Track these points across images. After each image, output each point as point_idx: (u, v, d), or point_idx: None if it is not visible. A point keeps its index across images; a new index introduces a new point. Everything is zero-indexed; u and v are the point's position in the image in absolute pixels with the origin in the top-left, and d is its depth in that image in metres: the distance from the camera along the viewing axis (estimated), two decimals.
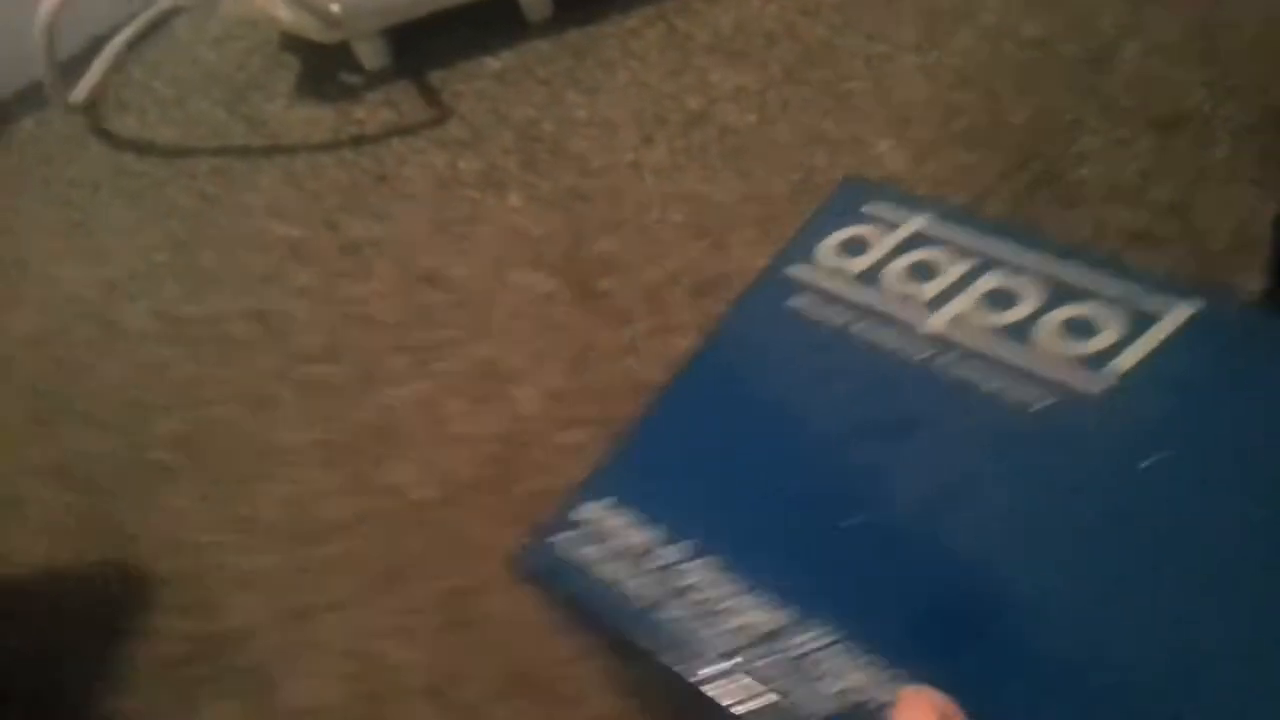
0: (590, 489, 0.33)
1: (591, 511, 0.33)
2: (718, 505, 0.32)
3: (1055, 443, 0.29)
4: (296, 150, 0.73)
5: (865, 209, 0.37)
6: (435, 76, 0.73)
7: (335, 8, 0.68)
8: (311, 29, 0.71)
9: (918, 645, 0.27)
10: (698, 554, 0.30)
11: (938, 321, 0.33)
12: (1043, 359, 0.31)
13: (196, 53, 0.84)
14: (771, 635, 0.28)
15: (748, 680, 0.28)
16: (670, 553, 0.31)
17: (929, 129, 0.56)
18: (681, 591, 0.30)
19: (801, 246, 0.37)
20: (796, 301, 0.36)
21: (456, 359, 0.56)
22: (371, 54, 0.75)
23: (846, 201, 0.38)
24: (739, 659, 0.28)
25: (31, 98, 0.85)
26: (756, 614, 0.29)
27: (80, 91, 0.81)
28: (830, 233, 0.37)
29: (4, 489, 0.61)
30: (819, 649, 0.28)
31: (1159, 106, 0.53)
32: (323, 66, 0.77)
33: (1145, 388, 0.30)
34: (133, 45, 0.86)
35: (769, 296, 0.36)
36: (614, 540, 0.32)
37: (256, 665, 0.47)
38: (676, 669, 0.29)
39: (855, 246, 0.36)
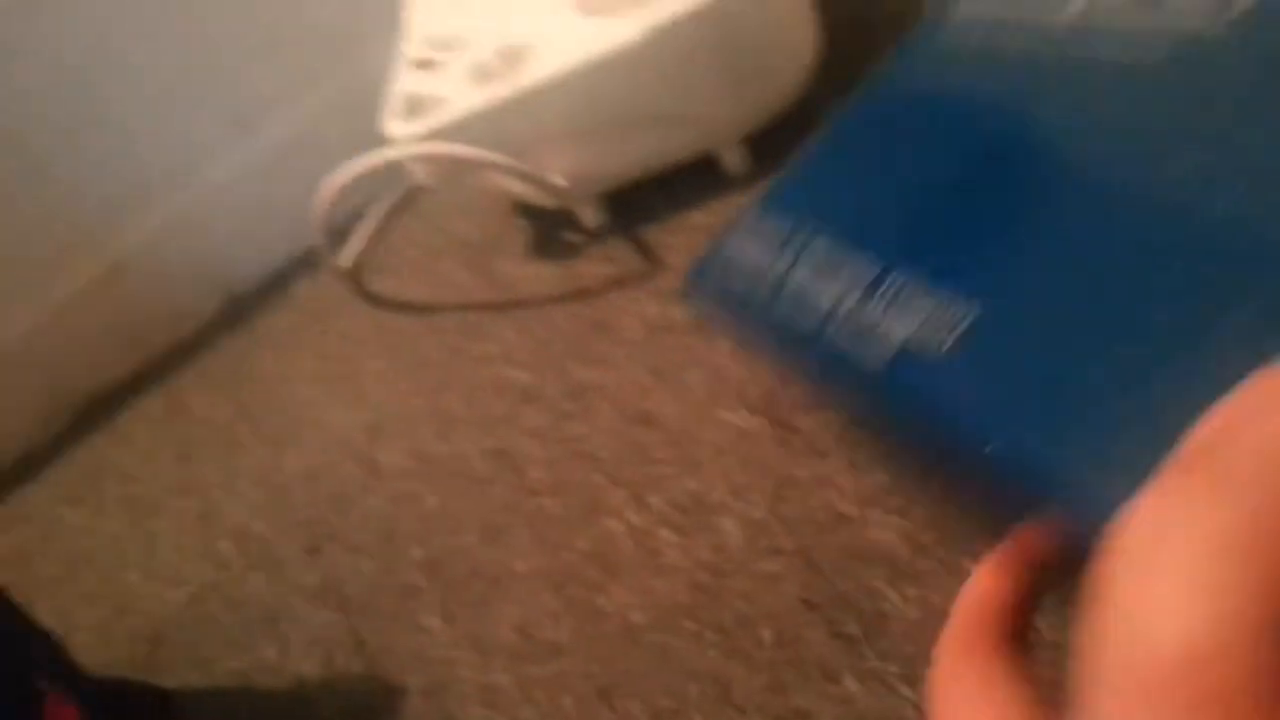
0: (759, 206, 0.35)
1: (760, 225, 0.35)
2: (891, 221, 0.32)
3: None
4: (528, 304, 0.81)
5: None
6: (647, 231, 0.80)
7: (559, 180, 0.77)
8: (538, 197, 0.81)
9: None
10: (875, 260, 0.31)
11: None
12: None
13: (442, 221, 0.96)
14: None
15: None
16: (844, 258, 0.32)
17: None
18: (857, 289, 0.30)
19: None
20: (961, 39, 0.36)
21: (668, 492, 0.62)
22: (591, 215, 0.83)
23: None
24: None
25: (306, 262, 0.99)
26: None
27: (347, 257, 0.93)
28: None
29: (275, 605, 0.70)
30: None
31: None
32: (549, 228, 0.86)
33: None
34: (389, 215, 0.99)
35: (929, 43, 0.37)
36: (781, 250, 0.33)
37: None
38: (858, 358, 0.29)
39: None
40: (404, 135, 0.77)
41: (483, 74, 0.77)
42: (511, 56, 0.77)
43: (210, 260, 1.04)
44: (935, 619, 0.45)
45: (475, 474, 0.71)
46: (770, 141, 0.79)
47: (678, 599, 0.56)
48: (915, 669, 0.48)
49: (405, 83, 0.81)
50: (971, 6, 0.36)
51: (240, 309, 1.02)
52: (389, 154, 0.76)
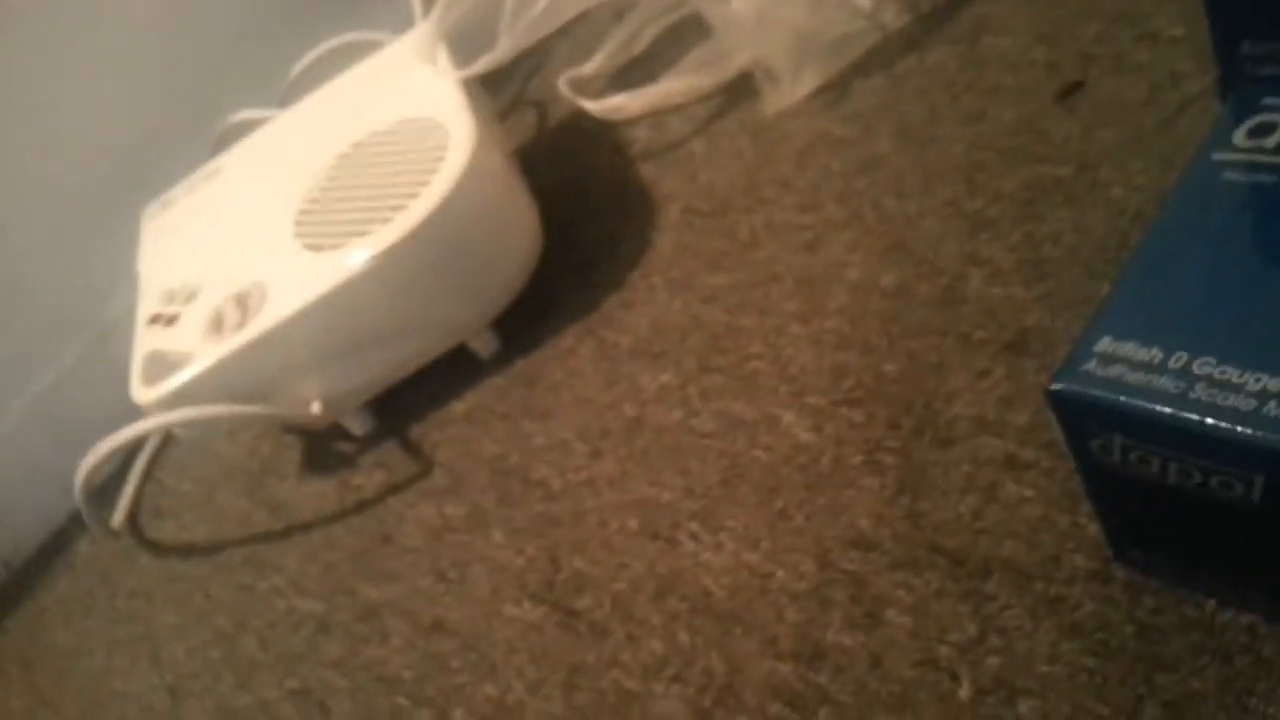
0: (1097, 326, 0.40)
1: (1105, 345, 0.40)
2: (1221, 326, 0.38)
3: None
4: (310, 525, 0.82)
5: (1265, 101, 0.44)
6: (415, 430, 0.82)
7: (315, 407, 0.79)
8: (303, 425, 0.82)
9: None
10: (1220, 359, 0.37)
11: None
12: None
13: (214, 447, 0.95)
14: None
15: None
16: (1185, 361, 0.38)
17: (821, 395, 0.64)
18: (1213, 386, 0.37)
19: (1216, 139, 0.44)
20: (1231, 175, 0.43)
21: (469, 703, 0.63)
22: (358, 423, 0.85)
23: (1245, 102, 0.45)
24: None
25: (74, 526, 0.97)
26: None
27: (119, 513, 0.92)
28: (1238, 124, 0.44)
29: None
30: None
31: (1007, 331, 0.60)
32: (321, 442, 0.87)
33: None
34: (156, 456, 0.97)
35: (1202, 176, 0.44)
36: (1135, 362, 0.39)
37: None
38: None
39: (1262, 130, 0.43)
40: (151, 400, 0.77)
41: (220, 323, 0.78)
42: (245, 302, 0.78)
43: None
44: None
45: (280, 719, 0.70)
46: (514, 321, 0.83)
47: None
48: None
49: (147, 341, 0.82)
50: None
51: (21, 582, 0.98)
52: (139, 428, 0.76)
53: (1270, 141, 0.43)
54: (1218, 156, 0.44)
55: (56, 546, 0.99)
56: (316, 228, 0.79)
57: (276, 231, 0.81)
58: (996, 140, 0.72)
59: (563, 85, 0.99)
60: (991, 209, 0.68)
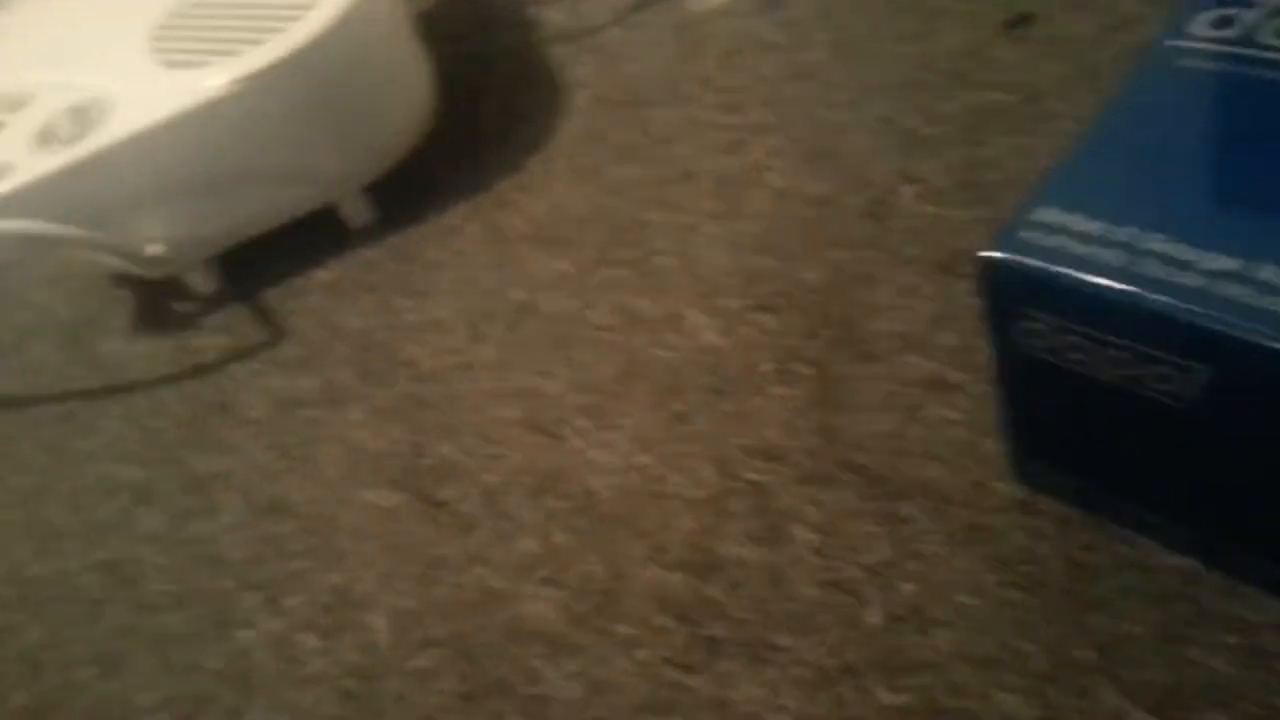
0: (1040, 196, 0.37)
1: (1048, 215, 0.37)
2: (1173, 204, 0.36)
3: None
4: (136, 388, 0.73)
5: None
6: (269, 295, 0.74)
7: (155, 248, 0.69)
8: (135, 269, 0.72)
9: None
10: (1170, 237, 0.35)
11: None
12: None
13: (30, 296, 0.84)
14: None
15: None
16: (1134, 236, 0.35)
17: (733, 297, 0.59)
18: (1162, 262, 0.34)
19: (1173, 27, 0.42)
20: (1188, 61, 0.40)
21: (307, 591, 0.56)
22: (203, 281, 0.75)
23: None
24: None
25: None
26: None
27: None
28: (1195, 16, 0.42)
29: None
30: None
31: (938, 251, 0.57)
32: (157, 298, 0.77)
33: None
34: None
35: (1159, 61, 0.41)
36: (1078, 234, 0.36)
37: None
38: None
39: (1223, 23, 0.41)
40: None
41: (51, 136, 0.68)
42: (83, 115, 0.68)
43: None
44: (598, 695, 0.43)
45: (85, 594, 0.62)
46: (392, 190, 0.75)
47: (326, 712, 0.51)
48: None
49: None
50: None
51: None
52: None
53: (1230, 33, 0.41)
54: (1173, 43, 0.41)
55: None
56: (177, 43, 0.70)
57: (128, 44, 0.71)
58: (938, 62, 0.68)
59: None
60: (929, 129, 0.64)
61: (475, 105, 0.81)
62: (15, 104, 0.72)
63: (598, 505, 0.54)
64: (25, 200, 0.65)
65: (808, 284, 0.58)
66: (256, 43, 0.66)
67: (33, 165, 0.66)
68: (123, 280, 0.80)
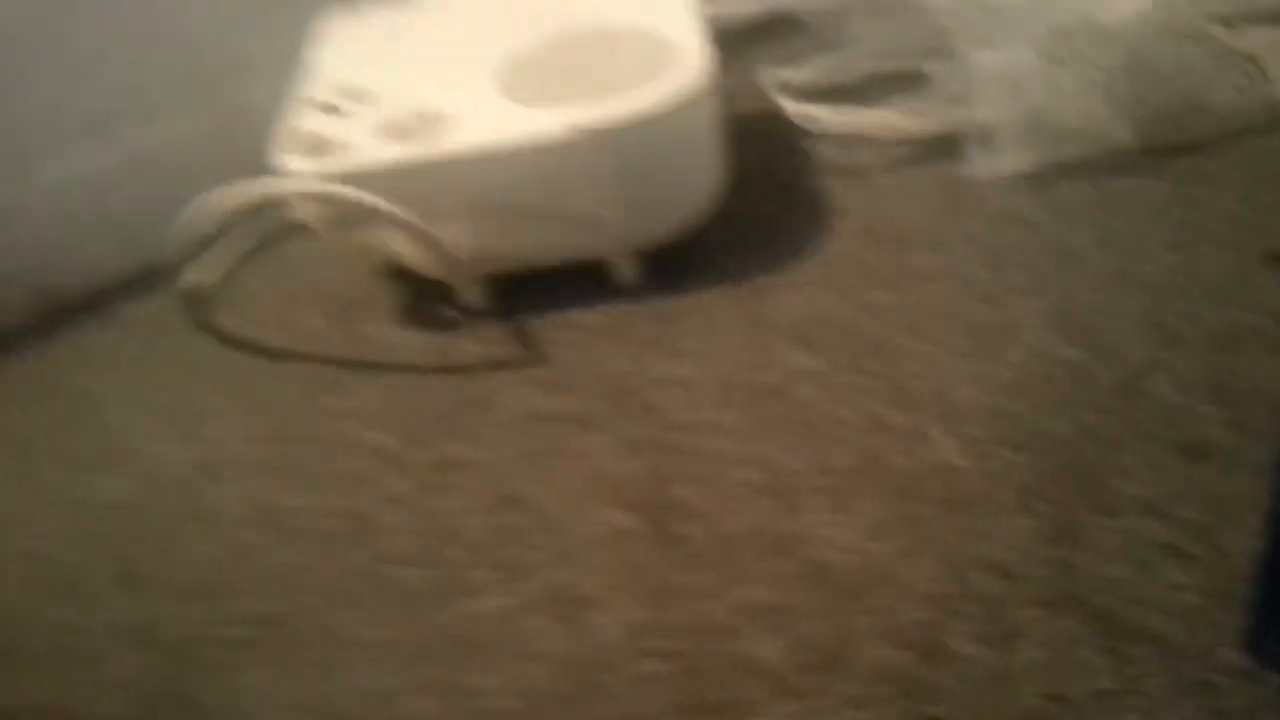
0: None
1: None
2: None
3: None
4: (394, 368, 0.80)
5: None
6: (531, 322, 0.81)
7: (456, 249, 0.77)
8: (423, 264, 0.80)
9: None
10: None
11: None
12: None
13: (305, 270, 0.93)
14: None
15: None
16: None
17: (980, 428, 0.64)
18: None
19: None
20: None
21: (539, 581, 0.61)
22: (472, 294, 0.83)
23: None
24: None
25: (141, 282, 0.93)
26: None
27: (196, 281, 0.88)
28: None
29: (85, 644, 0.64)
30: None
31: (1185, 436, 0.61)
32: (422, 298, 0.85)
33: None
34: (248, 252, 0.94)
35: None
36: None
37: None
38: None
39: None
40: (303, 172, 0.75)
41: (396, 131, 0.77)
42: (430, 121, 0.77)
43: (29, 260, 0.95)
44: None
45: (324, 533, 0.68)
46: (661, 261, 0.82)
47: (550, 686, 0.55)
48: None
49: (305, 122, 0.80)
50: None
51: (56, 319, 0.94)
52: (290, 185, 0.74)
53: None
54: None
55: (105, 299, 0.95)
56: (523, 80, 0.79)
57: (476, 75, 0.81)
58: (1200, 274, 0.74)
59: (766, 80, 0.99)
60: (1186, 329, 0.69)
61: (751, 207, 0.88)
62: (358, 96, 0.81)
63: (831, 577, 0.58)
64: (362, 178, 0.74)
65: (1056, 435, 0.63)
66: (595, 99, 0.75)
67: (374, 151, 0.75)
68: (392, 274, 0.88)
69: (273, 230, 0.93)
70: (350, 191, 0.74)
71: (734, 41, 1.01)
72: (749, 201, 0.89)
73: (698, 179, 0.82)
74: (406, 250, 0.80)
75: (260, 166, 0.78)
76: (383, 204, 0.74)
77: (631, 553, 0.62)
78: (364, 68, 0.86)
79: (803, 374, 0.72)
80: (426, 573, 0.63)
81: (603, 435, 0.70)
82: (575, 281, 0.82)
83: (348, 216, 0.77)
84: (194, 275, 0.87)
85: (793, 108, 0.97)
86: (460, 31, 0.88)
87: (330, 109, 0.81)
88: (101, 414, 0.83)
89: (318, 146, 0.78)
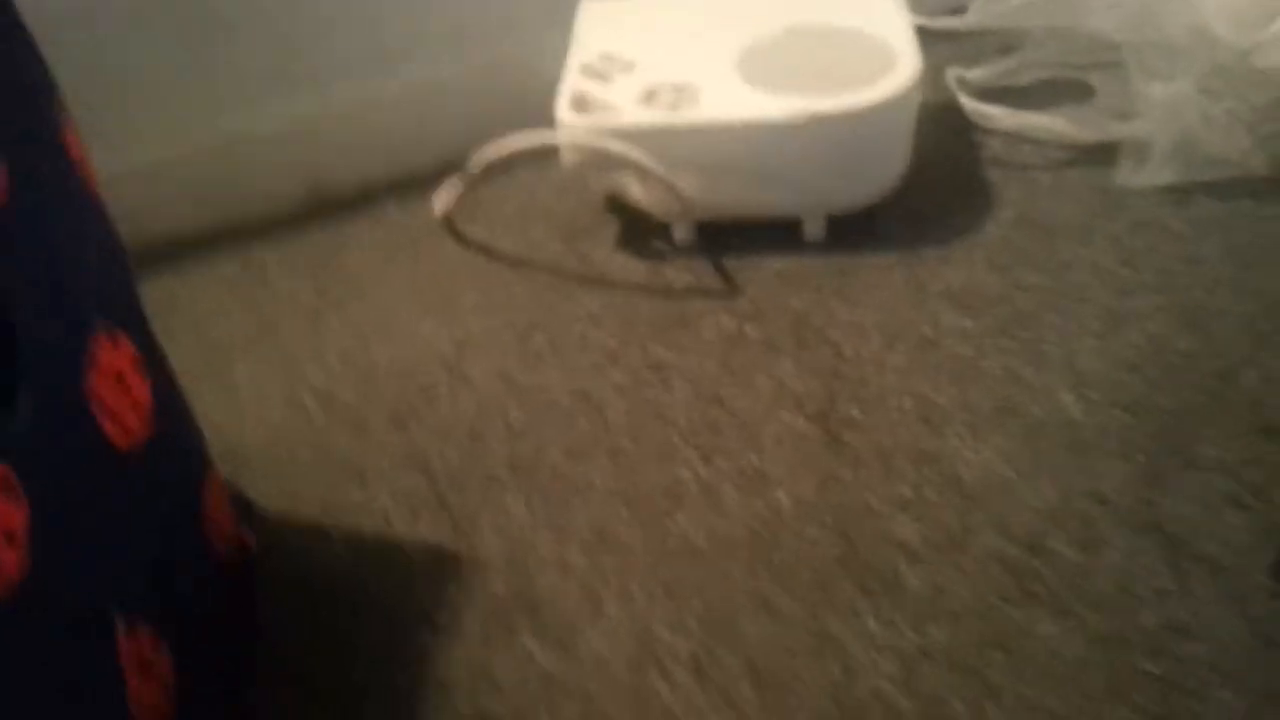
0: None
1: None
2: None
3: None
4: (614, 285, 0.98)
5: None
6: (728, 262, 0.98)
7: (687, 195, 0.94)
8: (654, 204, 0.97)
9: None
10: None
11: None
12: None
13: (537, 193, 1.11)
14: None
15: None
16: None
17: (1099, 394, 0.79)
18: None
19: None
20: None
21: (732, 461, 0.79)
22: (682, 232, 1.00)
23: None
24: None
25: (402, 187, 1.12)
26: None
27: (446, 198, 1.07)
28: None
29: (361, 462, 0.84)
30: None
31: (1268, 419, 0.75)
32: (638, 231, 1.02)
33: None
34: (486, 172, 1.12)
35: None
36: None
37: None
38: None
39: None
40: (575, 124, 0.93)
41: (653, 97, 0.94)
42: (681, 92, 0.94)
43: (308, 159, 1.14)
44: (940, 594, 0.64)
45: (560, 405, 0.86)
46: (847, 223, 0.98)
47: (735, 535, 0.73)
48: (922, 625, 0.66)
49: (576, 83, 0.97)
50: None
51: (327, 210, 1.13)
52: (571, 135, 0.92)
53: None
54: None
55: (369, 199, 1.14)
56: (759, 69, 0.95)
57: (719, 56, 0.97)
58: None
59: (950, 77, 1.13)
60: None
61: (924, 187, 1.03)
62: (626, 67, 0.99)
63: (962, 485, 0.74)
64: (627, 134, 0.91)
65: (1160, 405, 0.78)
66: (819, 89, 0.91)
67: (642, 115, 0.92)
68: (614, 207, 1.05)
69: (505, 155, 1.10)
70: (617, 144, 0.92)
71: (925, 39, 1.15)
72: (923, 182, 1.04)
73: (893, 162, 0.97)
74: (640, 193, 0.98)
75: (513, 112, 0.97)
76: (643, 156, 0.92)
77: (806, 450, 0.79)
78: (625, 40, 1.03)
79: (956, 331, 0.87)
80: (641, 445, 0.82)
81: (787, 359, 0.87)
82: (769, 232, 0.99)
83: (604, 163, 0.95)
84: (448, 188, 1.05)
85: (969, 104, 1.11)
86: (706, 16, 1.05)
87: (595, 73, 0.99)
88: (373, 292, 1.02)
89: (584, 104, 0.96)
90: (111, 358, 0.57)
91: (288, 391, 0.91)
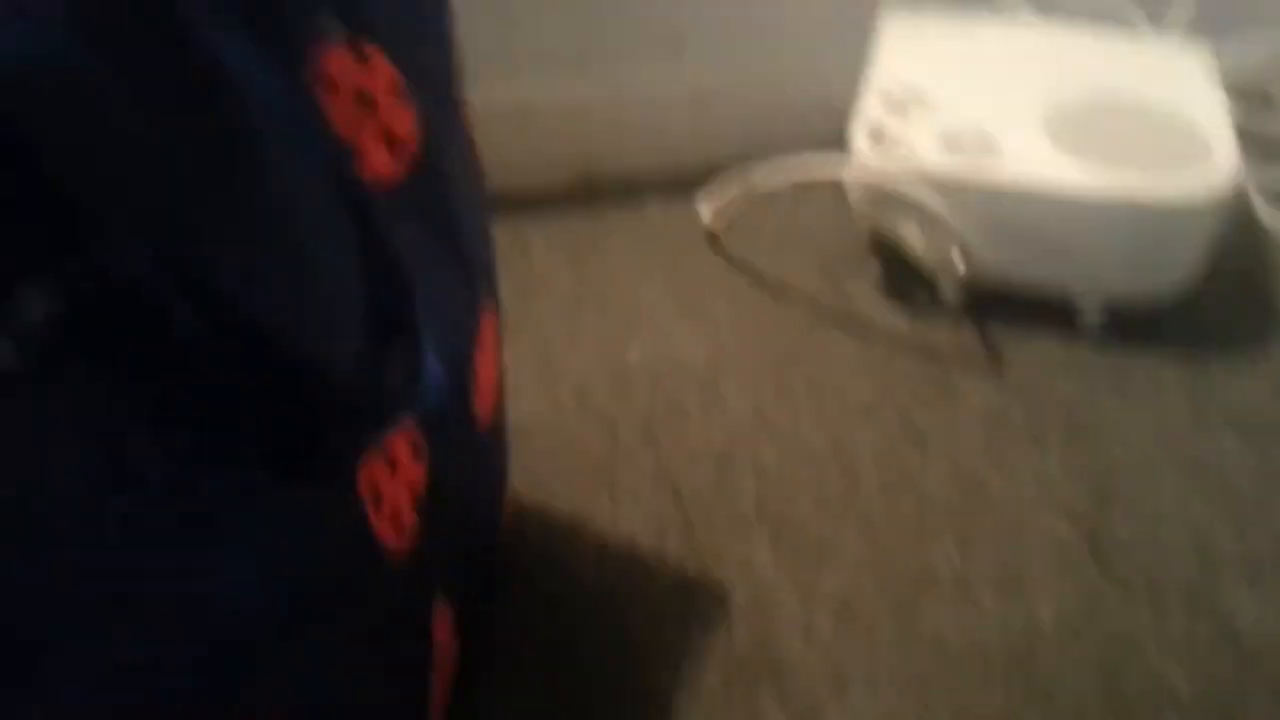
0: None
1: None
2: None
3: None
4: (876, 334, 0.96)
5: None
6: (994, 331, 0.95)
7: (961, 269, 0.92)
8: (925, 255, 0.94)
9: None
10: None
11: None
12: None
13: (799, 215, 1.09)
14: None
15: None
16: None
17: None
18: None
19: None
20: None
21: (990, 555, 0.77)
22: (951, 289, 0.97)
23: None
24: None
25: (665, 188, 1.11)
26: None
27: (711, 206, 1.06)
28: None
29: (611, 467, 0.84)
30: None
31: None
32: (901, 277, 1.00)
33: None
34: (756, 188, 1.11)
35: None
36: None
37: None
38: None
39: None
40: (872, 160, 0.90)
41: (953, 143, 0.91)
42: (982, 143, 0.91)
43: (581, 139, 1.14)
44: None
45: (813, 454, 0.85)
46: (1124, 314, 0.94)
47: (989, 641, 0.71)
48: None
49: (872, 110, 0.95)
50: None
51: (594, 196, 1.13)
52: (864, 173, 0.90)
53: None
54: None
55: (630, 192, 1.13)
56: (1066, 132, 0.91)
57: (1024, 109, 0.94)
58: None
59: (1250, 177, 1.07)
60: None
61: (1210, 291, 0.98)
62: (926, 103, 0.96)
63: (1237, 640, 0.71)
64: (921, 179, 0.89)
65: None
66: (1132, 166, 0.87)
67: (939, 161, 0.89)
68: (879, 249, 1.02)
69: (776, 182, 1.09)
70: (916, 189, 0.90)
71: None
72: (1210, 286, 0.99)
73: (1190, 260, 0.93)
74: (920, 242, 0.95)
75: (785, 125, 0.95)
76: (940, 207, 0.89)
77: (1070, 563, 0.76)
78: (926, 71, 1.00)
79: (1237, 460, 0.83)
80: (894, 518, 0.80)
81: (1053, 453, 0.84)
82: (1040, 308, 0.96)
83: (894, 204, 0.92)
84: (719, 196, 1.04)
85: (1268, 213, 1.05)
86: (1010, 57, 1.01)
87: (893, 104, 0.96)
88: (632, 285, 1.02)
89: (879, 136, 0.93)
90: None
91: (546, 379, 0.92)
